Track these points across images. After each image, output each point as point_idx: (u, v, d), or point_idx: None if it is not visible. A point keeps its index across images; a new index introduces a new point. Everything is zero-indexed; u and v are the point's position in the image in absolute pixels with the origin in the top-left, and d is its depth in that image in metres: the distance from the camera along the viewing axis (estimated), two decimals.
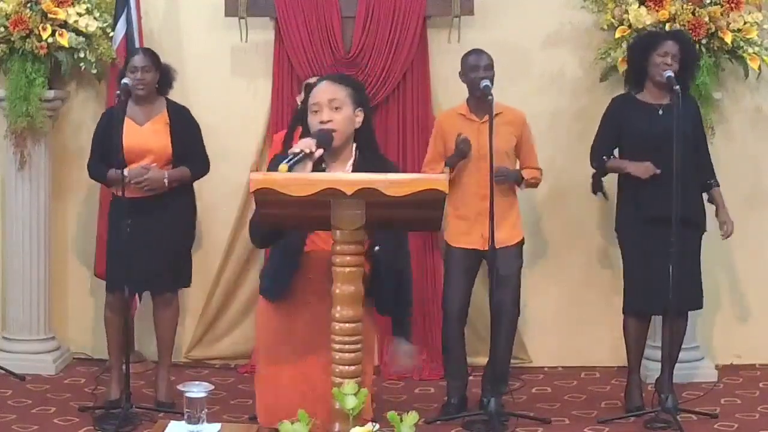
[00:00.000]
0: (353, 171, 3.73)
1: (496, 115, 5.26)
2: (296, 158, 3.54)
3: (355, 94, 3.74)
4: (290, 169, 3.58)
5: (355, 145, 3.76)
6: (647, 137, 5.26)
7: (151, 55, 5.38)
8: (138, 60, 5.33)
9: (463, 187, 5.34)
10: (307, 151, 3.56)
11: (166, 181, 5.27)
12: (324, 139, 3.65)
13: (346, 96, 3.70)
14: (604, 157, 5.40)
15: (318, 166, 3.69)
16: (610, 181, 5.52)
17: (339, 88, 3.72)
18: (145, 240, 5.21)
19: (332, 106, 3.67)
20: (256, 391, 3.93)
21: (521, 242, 5.40)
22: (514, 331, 5.45)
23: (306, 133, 3.74)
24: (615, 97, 5.54)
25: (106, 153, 5.29)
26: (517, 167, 5.42)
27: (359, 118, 3.73)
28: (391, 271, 3.71)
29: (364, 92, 3.86)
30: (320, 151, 3.58)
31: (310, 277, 3.69)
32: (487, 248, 5.06)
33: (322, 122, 3.67)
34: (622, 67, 5.74)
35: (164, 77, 5.42)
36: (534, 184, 5.47)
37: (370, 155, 3.77)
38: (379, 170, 3.60)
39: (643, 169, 5.26)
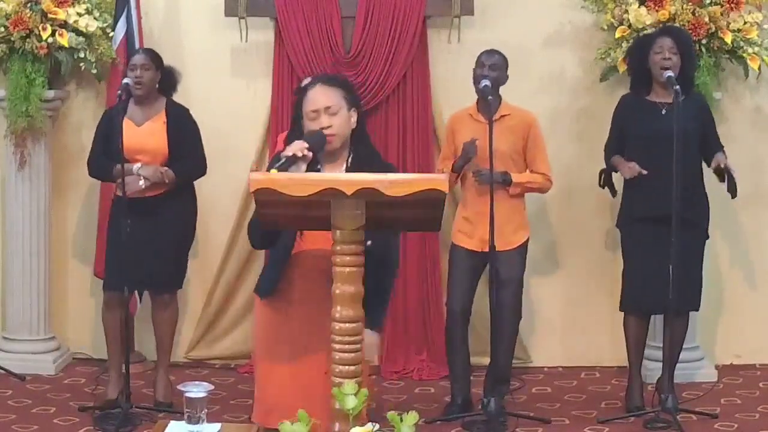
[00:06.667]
0: (347, 171, 3.74)
1: (504, 116, 5.27)
2: (286, 162, 3.54)
3: (347, 95, 3.76)
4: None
5: (350, 145, 3.78)
6: (648, 136, 5.26)
7: (152, 54, 5.40)
8: (137, 58, 5.37)
9: (468, 187, 5.35)
10: (299, 154, 3.57)
11: (142, 184, 5.23)
12: (316, 140, 3.64)
13: (341, 99, 3.73)
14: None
15: (313, 168, 3.70)
16: (618, 179, 5.51)
17: (333, 91, 3.73)
18: (145, 240, 5.21)
19: (330, 112, 3.70)
20: (255, 390, 3.95)
21: (524, 244, 5.38)
22: (515, 335, 5.44)
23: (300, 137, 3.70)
24: (623, 95, 5.54)
25: (107, 153, 5.30)
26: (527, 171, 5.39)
27: (353, 119, 3.76)
28: (380, 264, 3.65)
29: (355, 92, 3.89)
30: (310, 154, 3.58)
31: (300, 277, 3.71)
32: (487, 250, 5.06)
33: (323, 129, 3.69)
34: (622, 67, 5.74)
35: (166, 78, 5.42)
36: (534, 188, 5.40)
37: (365, 154, 3.80)
38: (372, 168, 3.62)
39: (627, 168, 5.26)
